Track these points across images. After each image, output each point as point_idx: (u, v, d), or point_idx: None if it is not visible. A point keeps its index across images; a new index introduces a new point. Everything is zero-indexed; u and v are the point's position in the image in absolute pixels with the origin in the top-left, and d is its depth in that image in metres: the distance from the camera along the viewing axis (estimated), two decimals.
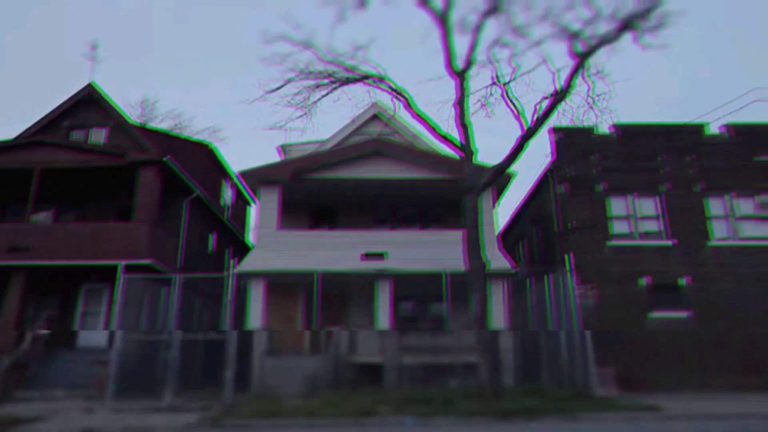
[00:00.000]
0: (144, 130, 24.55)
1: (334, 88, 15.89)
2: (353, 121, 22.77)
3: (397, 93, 15.70)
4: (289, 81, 15.71)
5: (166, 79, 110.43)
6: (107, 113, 23.39)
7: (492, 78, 15.78)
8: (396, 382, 16.12)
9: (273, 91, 15.84)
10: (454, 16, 15.10)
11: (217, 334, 16.35)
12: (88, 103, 23.54)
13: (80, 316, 20.52)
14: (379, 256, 17.98)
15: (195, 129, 41.38)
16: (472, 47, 15.23)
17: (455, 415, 11.47)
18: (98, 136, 23.13)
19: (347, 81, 15.76)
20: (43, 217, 22.15)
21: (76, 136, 23.17)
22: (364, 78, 15.63)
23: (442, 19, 15.12)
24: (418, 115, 15.56)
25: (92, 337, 19.97)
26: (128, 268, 16.61)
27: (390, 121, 21.22)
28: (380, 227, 21.68)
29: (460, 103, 15.34)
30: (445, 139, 15.36)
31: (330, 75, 15.74)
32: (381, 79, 15.58)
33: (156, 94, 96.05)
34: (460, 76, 15.38)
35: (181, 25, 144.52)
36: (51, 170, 20.29)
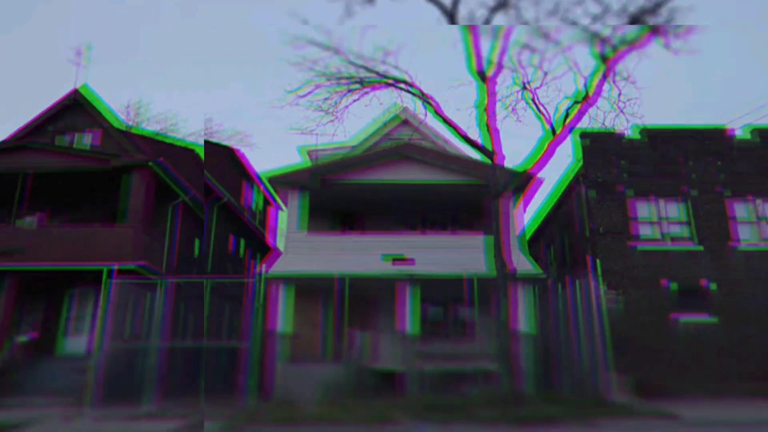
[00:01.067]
0: (134, 134, 24.40)
1: (363, 93, 15.94)
2: (380, 125, 22.84)
3: (424, 98, 15.71)
4: (317, 85, 15.78)
5: (167, 79, 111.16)
6: (95, 117, 23.41)
7: (515, 80, 15.80)
8: (416, 389, 16.16)
9: (301, 95, 15.88)
10: (462, 12, 15.09)
11: (232, 342, 16.36)
12: (77, 107, 23.59)
13: (68, 320, 20.45)
14: (405, 259, 18.02)
15: (224, 134, 41.42)
16: (495, 49, 15.25)
17: (474, 421, 11.56)
18: (87, 139, 23.18)
19: (375, 85, 15.79)
20: (31, 221, 21.90)
21: (65, 139, 23.16)
22: (392, 83, 15.67)
23: (451, 14, 15.09)
24: (445, 120, 15.56)
25: (76, 344, 19.88)
26: (118, 272, 16.54)
27: (417, 126, 21.27)
28: (406, 231, 21.73)
29: (485, 107, 15.35)
30: (471, 143, 15.37)
31: (352, 76, 15.80)
32: (409, 85, 15.60)
33: (156, 95, 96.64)
34: (483, 78, 15.39)
35: (187, 22, 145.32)
36: (39, 174, 20.20)
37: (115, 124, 23.94)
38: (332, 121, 16.21)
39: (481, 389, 14.94)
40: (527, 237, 26.72)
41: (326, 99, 15.97)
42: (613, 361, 14.40)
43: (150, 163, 20.06)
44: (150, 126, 38.80)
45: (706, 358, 16.70)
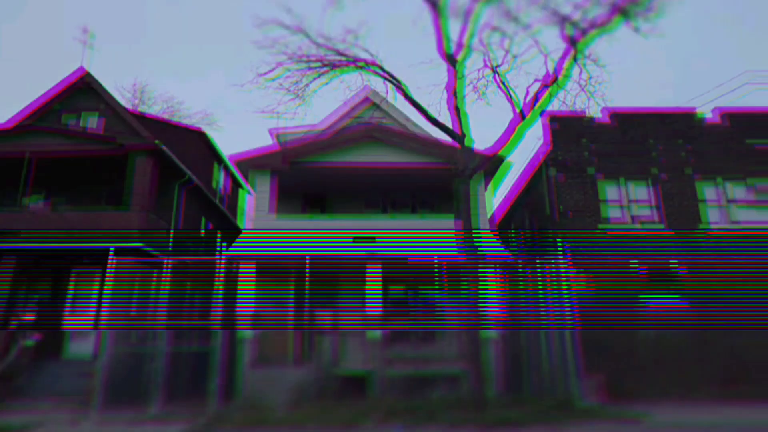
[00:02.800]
0: (137, 116, 24.42)
1: (325, 73, 15.72)
2: (346, 106, 22.72)
3: (389, 78, 15.59)
4: (280, 64, 15.55)
5: (159, 65, 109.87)
6: (100, 99, 23.21)
7: (485, 63, 15.73)
8: (381, 392, 16.13)
9: (264, 74, 15.65)
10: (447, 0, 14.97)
11: (201, 345, 16.26)
12: (81, 89, 23.38)
13: (71, 300, 20.42)
14: (371, 240, 17.95)
15: (188, 114, 41.13)
16: (465, 32, 15.13)
17: (437, 423, 11.58)
18: (91, 122, 23.00)
19: (337, 64, 15.62)
20: (36, 203, 22.05)
21: (69, 122, 22.99)
22: (355, 62, 15.49)
23: (434, 2, 14.99)
24: (411, 101, 15.45)
25: (80, 347, 19.72)
26: (119, 252, 16.50)
27: (383, 107, 21.15)
28: (373, 212, 21.69)
29: (453, 88, 15.28)
30: (438, 124, 15.29)
31: (321, 59, 15.61)
32: (372, 63, 15.46)
33: (148, 79, 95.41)
34: (453, 61, 15.30)
35: (174, 9, 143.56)
36: (44, 157, 20.20)
37: (122, 107, 23.82)
38: (300, 104, 16.05)
39: (446, 392, 14.93)
40: (498, 219, 26.82)
41: (295, 82, 15.79)
42: (579, 360, 14.36)
43: (157, 144, 20.19)
44: (153, 109, 38.56)
45: (675, 347, 16.81)
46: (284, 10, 15.28)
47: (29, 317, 18.91)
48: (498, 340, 16.68)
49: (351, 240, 18.03)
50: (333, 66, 15.57)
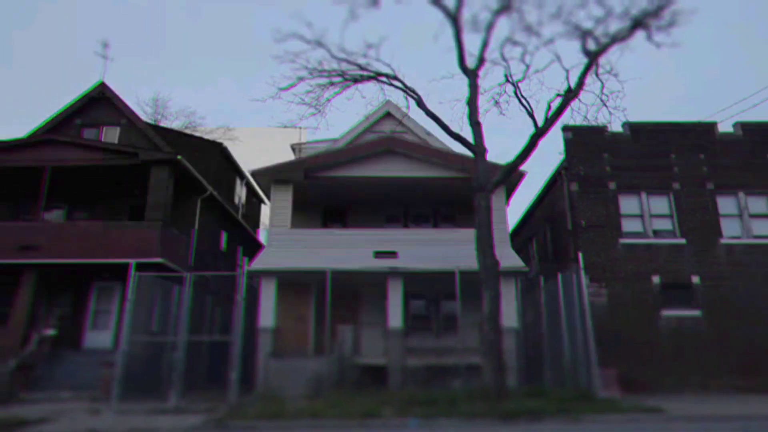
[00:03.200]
0: (155, 129, 24.66)
1: (346, 87, 15.90)
2: (365, 120, 22.84)
3: (408, 91, 15.72)
4: (301, 79, 15.74)
5: (176, 77, 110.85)
6: (119, 112, 23.48)
7: (504, 76, 15.81)
8: (400, 384, 16.17)
9: (285, 89, 15.87)
10: (466, 14, 15.11)
11: (222, 336, 16.37)
12: (100, 102, 23.65)
13: (91, 314, 20.54)
14: (391, 254, 18.03)
15: (207, 128, 41.49)
16: (484, 45, 15.27)
17: (458, 416, 11.48)
18: (109, 134, 23.23)
19: (359, 79, 15.77)
20: (54, 215, 22.21)
21: (88, 134, 23.21)
22: (375, 76, 15.65)
23: (454, 17, 15.12)
24: (429, 114, 15.56)
25: (98, 338, 20.04)
26: (139, 267, 16.52)
27: (402, 120, 21.26)
28: (392, 225, 21.77)
29: (472, 102, 15.37)
30: (457, 137, 15.38)
31: (342, 73, 15.76)
32: (393, 78, 15.60)
33: (166, 92, 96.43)
34: (472, 75, 15.41)
35: (192, 23, 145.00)
36: (62, 169, 20.34)
37: (141, 119, 24.07)
38: (314, 114, 16.27)
39: (466, 384, 14.96)
40: (515, 231, 26.81)
41: (316, 96, 15.99)
42: (598, 356, 14.38)
43: (176, 158, 20.20)
44: (173, 122, 38.95)
45: (690, 353, 16.79)
46: (303, 24, 15.43)
47: (50, 332, 19.02)
48: (516, 333, 16.76)
49: (371, 253, 18.11)
50: (355, 81, 15.73)
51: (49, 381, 17.38)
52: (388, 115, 22.98)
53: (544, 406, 11.91)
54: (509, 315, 16.72)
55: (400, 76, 15.67)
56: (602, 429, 10.94)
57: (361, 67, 15.53)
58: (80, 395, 15.92)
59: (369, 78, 15.70)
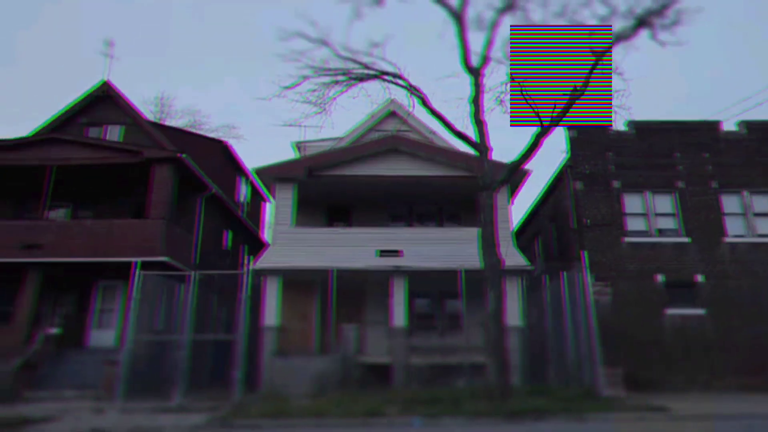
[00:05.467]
0: (159, 127, 24.63)
1: (350, 85, 15.85)
2: (369, 118, 22.82)
3: (412, 90, 15.66)
4: (305, 78, 15.70)
5: (181, 76, 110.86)
6: (122, 110, 23.47)
7: (508, 75, 15.75)
8: (404, 382, 16.17)
9: (289, 87, 15.82)
10: (471, 13, 15.08)
11: (226, 335, 16.36)
12: (104, 101, 23.64)
13: (95, 313, 20.59)
14: (395, 253, 18.03)
15: (211, 126, 41.54)
16: (489, 44, 15.23)
17: (463, 415, 11.49)
18: (113, 133, 23.21)
19: (363, 78, 15.73)
20: (58, 214, 22.22)
21: (91, 133, 23.16)
22: (379, 75, 15.61)
23: (458, 16, 15.10)
24: (434, 113, 15.52)
25: (103, 337, 20.06)
26: (144, 265, 16.48)
27: (406, 119, 21.24)
28: (396, 224, 21.76)
29: (476, 100, 15.32)
30: (461, 136, 15.33)
31: (346, 72, 15.73)
32: (396, 76, 15.56)
33: (171, 91, 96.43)
34: (476, 73, 15.37)
35: (197, 22, 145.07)
36: (66, 167, 20.34)
37: (144, 118, 24.04)
38: (318, 113, 16.20)
39: (470, 382, 14.96)
40: (519, 230, 26.79)
41: (320, 95, 15.95)
42: (602, 355, 14.38)
43: (180, 156, 20.22)
44: (178, 121, 38.97)
45: (695, 351, 16.78)
46: (307, 23, 15.40)
47: (55, 331, 19.03)
48: (521, 331, 16.76)
49: (375, 252, 18.11)
50: (360, 79, 15.70)
51: (53, 380, 17.36)
52: (392, 113, 22.99)
53: (548, 405, 11.92)
54: (513, 313, 16.70)
55: (405, 75, 15.62)
56: (607, 428, 10.91)
57: (365, 66, 15.51)
58: (84, 394, 15.93)
59: (373, 77, 15.66)
